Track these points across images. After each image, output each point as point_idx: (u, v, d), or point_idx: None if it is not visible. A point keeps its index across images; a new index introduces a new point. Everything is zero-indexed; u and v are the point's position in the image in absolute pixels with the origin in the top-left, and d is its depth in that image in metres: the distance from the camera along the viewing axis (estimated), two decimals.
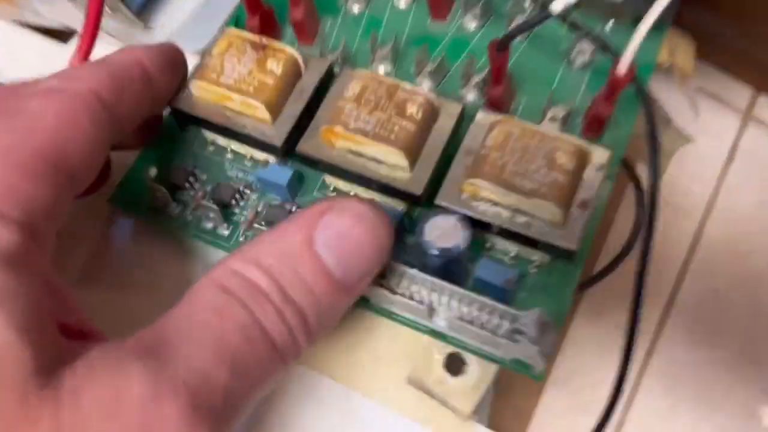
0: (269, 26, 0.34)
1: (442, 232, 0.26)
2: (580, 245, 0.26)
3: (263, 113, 0.29)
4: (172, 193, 0.31)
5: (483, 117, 0.29)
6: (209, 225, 0.31)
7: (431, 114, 0.29)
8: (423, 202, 0.28)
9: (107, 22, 0.36)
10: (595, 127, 0.31)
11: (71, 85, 0.25)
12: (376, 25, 0.35)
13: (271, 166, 0.31)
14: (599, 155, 0.28)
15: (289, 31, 0.35)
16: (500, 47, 0.29)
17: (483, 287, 0.27)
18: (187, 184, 0.32)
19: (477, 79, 0.32)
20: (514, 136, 0.27)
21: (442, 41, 0.34)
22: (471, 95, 0.33)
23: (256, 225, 0.31)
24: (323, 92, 0.30)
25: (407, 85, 0.29)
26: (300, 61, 0.31)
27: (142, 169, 0.32)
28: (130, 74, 0.27)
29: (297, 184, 0.31)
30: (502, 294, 0.26)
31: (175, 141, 0.33)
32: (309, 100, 0.30)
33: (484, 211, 0.27)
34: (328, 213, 0.23)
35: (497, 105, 0.31)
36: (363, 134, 0.28)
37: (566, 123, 0.31)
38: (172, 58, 0.30)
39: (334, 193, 0.31)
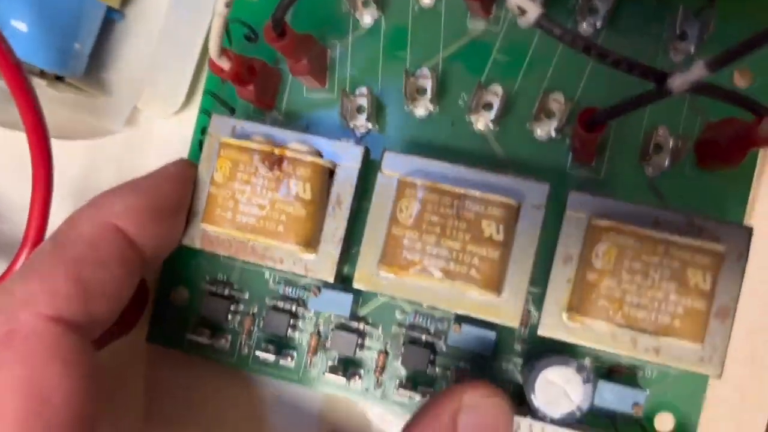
0: (266, 84, 0.26)
1: (557, 392, 0.22)
2: (723, 365, 0.22)
3: (301, 251, 0.24)
4: (215, 330, 0.27)
5: (578, 214, 0.23)
6: (270, 358, 0.26)
7: (513, 220, 0.23)
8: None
9: (56, 110, 0.29)
10: (709, 160, 0.24)
11: (21, 320, 0.20)
12: (399, 36, 0.27)
13: (324, 293, 0.25)
14: (737, 239, 0.22)
15: (289, 78, 0.27)
16: (590, 127, 0.21)
17: (602, 414, 0.23)
18: (229, 316, 0.27)
19: (556, 117, 0.25)
20: (628, 252, 0.21)
21: (492, 48, 0.26)
22: (545, 142, 0.25)
23: (321, 351, 0.26)
24: (365, 190, 0.24)
25: (476, 192, 0.22)
26: (327, 164, 0.24)
27: (169, 295, 0.27)
28: (100, 256, 0.21)
29: (357, 300, 0.26)
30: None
31: (196, 252, 0.27)
32: (350, 214, 0.24)
33: (601, 340, 0.22)
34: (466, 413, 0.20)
35: (584, 159, 0.24)
36: (434, 275, 0.22)
37: (674, 162, 0.24)
38: (160, 202, 0.23)
39: (405, 313, 0.26)
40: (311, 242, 0.24)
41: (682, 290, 0.21)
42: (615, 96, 0.25)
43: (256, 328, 0.27)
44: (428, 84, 0.26)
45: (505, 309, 0.23)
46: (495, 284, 0.22)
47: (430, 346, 0.26)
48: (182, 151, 0.28)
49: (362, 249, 0.24)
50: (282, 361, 0.27)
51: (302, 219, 0.23)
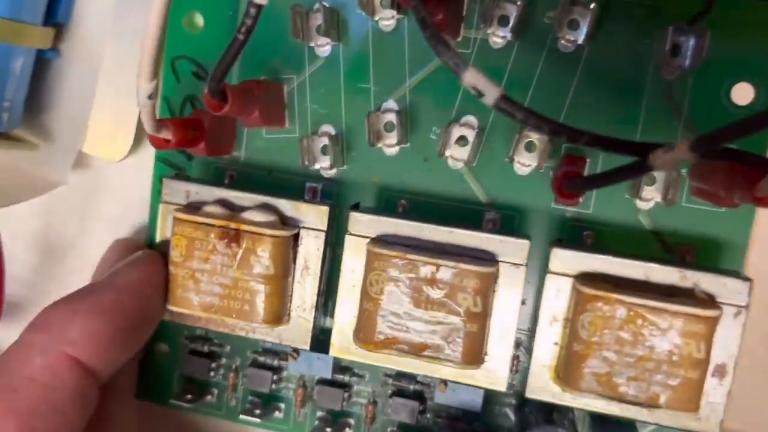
0: (219, 134, 0.24)
1: None
2: (721, 423, 0.21)
3: (271, 327, 0.22)
4: (200, 386, 0.26)
5: (562, 273, 0.21)
6: (257, 411, 0.26)
7: (491, 286, 0.21)
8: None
9: None
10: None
11: None
12: (360, 65, 0.24)
13: (303, 356, 0.24)
14: (735, 294, 0.20)
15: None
16: (566, 194, 0.19)
17: None
18: (211, 373, 0.26)
19: (537, 150, 0.23)
20: (616, 323, 0.20)
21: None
22: (526, 177, 0.23)
23: (309, 403, 0.26)
24: (337, 239, 0.23)
25: (449, 263, 0.21)
26: (290, 234, 0.22)
27: (152, 351, 0.27)
28: (55, 400, 0.20)
29: (338, 360, 0.25)
30: None
31: None
32: (321, 279, 0.23)
33: (592, 406, 0.21)
34: None
35: (567, 203, 0.22)
36: (411, 353, 0.21)
37: (668, 194, 0.22)
38: (123, 324, 0.21)
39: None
40: (280, 317, 0.22)
41: (675, 360, 0.19)
42: (601, 121, 0.22)
43: (240, 381, 0.26)
44: (395, 119, 0.24)
45: (490, 377, 0.21)
46: (476, 358, 0.21)
47: (419, 396, 0.25)
48: (142, 196, 0.27)
49: (336, 319, 0.22)
50: (273, 414, 0.26)
51: (268, 296, 0.22)
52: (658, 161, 0.16)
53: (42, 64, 0.27)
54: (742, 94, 0.22)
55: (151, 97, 0.18)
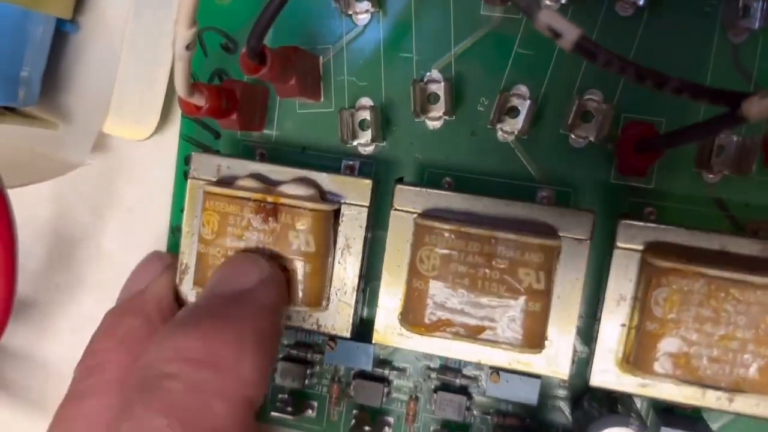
0: (251, 108, 0.23)
1: None
2: None
3: (310, 311, 0.21)
4: None
5: (630, 248, 0.19)
6: (287, 418, 0.24)
7: (553, 262, 0.19)
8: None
9: (9, 151, 0.25)
10: None
11: None
12: (402, 33, 0.23)
13: (341, 346, 0.22)
14: None
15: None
16: (642, 154, 0.17)
17: None
18: None
19: (594, 121, 0.21)
20: (695, 298, 0.18)
21: (513, 40, 0.22)
22: (582, 149, 0.22)
23: (343, 400, 0.24)
24: (378, 219, 0.21)
25: (509, 235, 0.19)
26: (332, 209, 0.20)
27: None
28: None
29: (377, 353, 0.23)
30: None
31: None
32: (363, 259, 0.21)
33: (665, 393, 0.19)
34: None
35: (632, 173, 0.20)
36: (467, 336, 0.19)
37: (739, 165, 0.20)
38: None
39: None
40: (320, 299, 0.20)
41: (763, 338, 0.18)
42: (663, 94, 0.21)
43: (271, 378, 0.24)
44: (440, 89, 0.22)
45: (550, 363, 0.20)
46: (537, 341, 0.19)
47: (464, 391, 0.23)
48: (163, 181, 0.25)
49: (380, 301, 0.20)
50: (305, 413, 0.24)
51: (307, 276, 0.20)
52: (753, 110, 0.15)
53: (61, 38, 0.25)
54: None
55: (189, 47, 0.16)
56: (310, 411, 0.24)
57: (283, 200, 0.20)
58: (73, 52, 0.26)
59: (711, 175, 0.21)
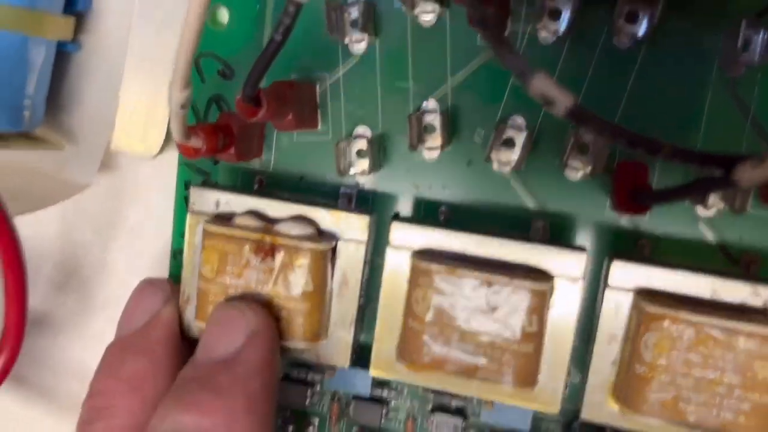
0: (248, 138, 0.23)
1: None
2: None
3: (307, 345, 0.21)
4: None
5: (622, 289, 0.19)
6: (290, 427, 0.25)
7: (546, 303, 0.20)
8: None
9: (13, 177, 0.25)
10: None
11: None
12: (398, 63, 0.23)
13: (340, 373, 0.23)
14: None
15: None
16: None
17: None
18: None
19: (591, 154, 0.21)
20: (684, 344, 0.18)
21: (509, 74, 0.22)
22: (579, 182, 0.22)
23: (344, 419, 0.25)
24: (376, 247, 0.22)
25: (503, 279, 0.19)
26: (328, 247, 0.21)
27: None
28: None
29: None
30: None
31: None
32: (360, 293, 0.21)
33: (652, 428, 0.20)
34: None
35: (632, 212, 0.21)
36: (460, 374, 0.20)
37: (734, 200, 0.21)
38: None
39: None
40: (318, 334, 0.21)
41: (749, 384, 0.18)
42: (661, 121, 0.21)
43: None
44: (437, 120, 0.22)
45: (542, 398, 0.20)
46: (529, 379, 0.20)
47: (461, 412, 0.24)
48: (167, 201, 0.25)
49: (376, 335, 0.21)
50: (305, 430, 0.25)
51: (306, 313, 0.20)
52: (744, 176, 0.15)
53: (62, 57, 0.25)
54: None
55: (183, 106, 0.17)
56: (311, 428, 0.25)
57: (281, 240, 0.20)
58: (75, 71, 0.26)
59: (705, 211, 0.21)
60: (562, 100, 0.15)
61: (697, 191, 0.16)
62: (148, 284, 0.23)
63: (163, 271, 0.26)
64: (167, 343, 0.21)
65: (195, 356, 0.20)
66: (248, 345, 0.19)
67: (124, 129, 0.25)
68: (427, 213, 0.23)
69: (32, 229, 0.27)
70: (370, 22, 0.22)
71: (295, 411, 0.25)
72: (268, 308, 0.20)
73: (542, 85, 0.15)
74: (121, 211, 0.27)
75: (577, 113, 0.15)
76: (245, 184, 0.24)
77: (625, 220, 0.22)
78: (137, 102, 0.25)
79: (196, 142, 0.20)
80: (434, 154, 0.23)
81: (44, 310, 0.28)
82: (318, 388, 0.25)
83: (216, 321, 0.20)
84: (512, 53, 0.15)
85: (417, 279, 0.20)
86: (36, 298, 0.28)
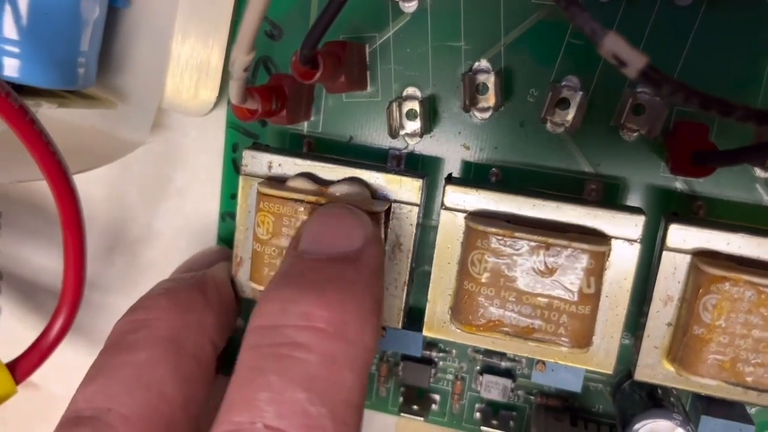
0: (298, 101, 0.23)
1: None
2: None
3: None
4: None
5: (680, 252, 0.19)
6: None
7: (603, 265, 0.20)
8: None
9: (73, 136, 0.25)
10: None
11: None
12: (450, 21, 0.22)
13: (390, 333, 0.23)
14: None
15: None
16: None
17: None
18: None
19: (646, 114, 0.21)
20: (744, 305, 0.18)
21: (565, 29, 0.22)
22: (634, 143, 0.21)
23: (392, 378, 0.25)
24: (427, 211, 0.21)
25: (561, 241, 0.19)
26: (383, 210, 0.21)
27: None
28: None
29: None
30: None
31: None
32: (413, 256, 0.21)
33: (709, 389, 0.20)
34: None
35: (692, 175, 0.20)
36: (516, 336, 0.20)
37: None
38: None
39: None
40: None
41: None
42: (720, 80, 0.20)
43: None
44: (490, 80, 0.22)
45: (596, 359, 0.20)
46: (585, 341, 0.20)
47: (509, 373, 0.24)
48: (215, 164, 0.25)
49: (430, 296, 0.21)
50: None
51: None
52: None
53: (113, 14, 0.25)
54: None
55: (246, 69, 0.16)
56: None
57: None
58: (125, 29, 0.26)
59: (763, 172, 0.21)
60: (635, 61, 0.14)
61: (766, 153, 0.16)
62: (216, 248, 0.24)
63: (210, 235, 0.26)
64: (219, 289, 0.22)
65: (302, 247, 0.19)
66: (368, 249, 0.18)
67: (175, 87, 0.25)
68: (477, 175, 0.23)
69: (80, 189, 0.27)
70: None
71: None
72: None
73: (614, 45, 0.14)
74: (168, 173, 0.27)
75: (650, 74, 0.14)
76: (294, 146, 0.24)
77: (680, 182, 0.21)
78: (188, 59, 0.24)
79: (252, 104, 0.19)
80: (486, 115, 0.22)
81: (93, 270, 0.28)
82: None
83: (329, 216, 0.19)
84: (583, 12, 0.15)
85: (474, 241, 0.20)
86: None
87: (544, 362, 0.22)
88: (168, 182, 0.27)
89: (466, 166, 0.23)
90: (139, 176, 0.27)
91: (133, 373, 0.19)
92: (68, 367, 0.25)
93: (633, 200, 0.22)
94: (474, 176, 0.23)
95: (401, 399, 0.25)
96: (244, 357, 0.16)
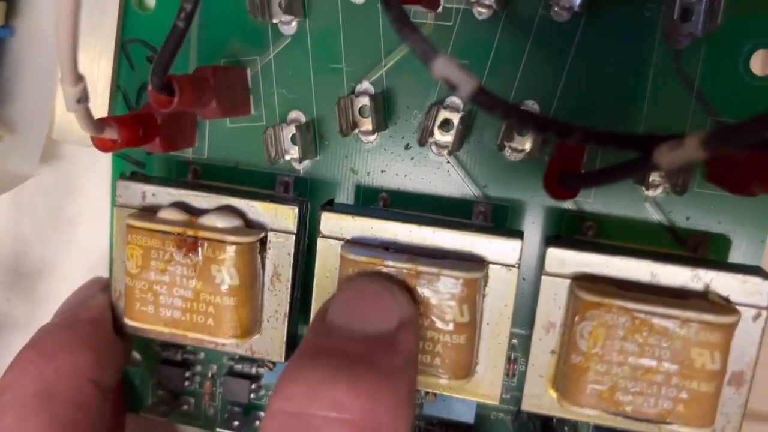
0: (175, 127, 0.22)
1: None
2: None
3: (238, 343, 0.20)
4: (175, 394, 0.25)
5: (558, 276, 0.19)
6: (236, 422, 0.24)
7: (479, 292, 0.19)
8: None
9: None
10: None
11: None
12: (330, 43, 0.22)
13: (278, 368, 0.22)
14: (756, 292, 0.18)
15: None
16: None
17: None
18: (186, 382, 0.24)
19: (530, 134, 0.20)
20: (619, 333, 0.18)
21: (445, 49, 0.21)
22: (517, 163, 0.21)
23: None
24: (313, 250, 0.20)
25: (432, 269, 0.18)
26: (256, 240, 0.20)
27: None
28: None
29: None
30: None
31: None
32: (293, 285, 0.21)
33: (593, 419, 0.19)
34: None
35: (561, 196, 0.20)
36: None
37: (678, 179, 0.20)
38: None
39: None
40: (250, 329, 0.20)
41: (686, 372, 0.17)
42: (604, 96, 0.20)
43: (217, 389, 0.24)
44: (371, 103, 0.21)
45: (481, 389, 0.19)
46: (464, 371, 0.19)
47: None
48: (105, 193, 0.25)
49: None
50: (252, 424, 0.24)
51: (233, 309, 0.20)
52: (663, 159, 0.14)
53: None
54: (762, 62, 0.19)
55: (80, 101, 0.16)
56: (258, 422, 0.24)
57: (203, 233, 0.19)
58: (10, 58, 0.25)
59: (650, 191, 0.20)
60: (466, 85, 0.14)
61: (621, 175, 0.15)
62: (91, 280, 0.23)
63: (104, 265, 0.25)
64: (93, 323, 0.21)
65: (331, 318, 0.17)
66: (403, 330, 0.17)
67: (64, 116, 0.24)
68: (367, 198, 0.22)
69: None
70: (298, 2, 0.21)
71: (240, 404, 0.24)
72: (195, 304, 0.20)
73: (445, 68, 0.14)
74: (59, 203, 0.26)
75: (481, 97, 0.14)
76: (180, 173, 0.23)
77: (569, 203, 0.21)
78: None
79: (111, 133, 0.19)
80: (371, 138, 0.22)
81: None
82: (262, 381, 0.24)
83: (363, 292, 0.18)
84: (415, 33, 0.14)
85: (346, 270, 0.19)
86: None
87: (434, 393, 0.21)
88: (60, 213, 0.26)
89: (356, 190, 0.22)
90: (30, 208, 0.26)
91: None
92: None
93: (526, 222, 0.21)
94: (363, 201, 0.22)
95: None
96: None
